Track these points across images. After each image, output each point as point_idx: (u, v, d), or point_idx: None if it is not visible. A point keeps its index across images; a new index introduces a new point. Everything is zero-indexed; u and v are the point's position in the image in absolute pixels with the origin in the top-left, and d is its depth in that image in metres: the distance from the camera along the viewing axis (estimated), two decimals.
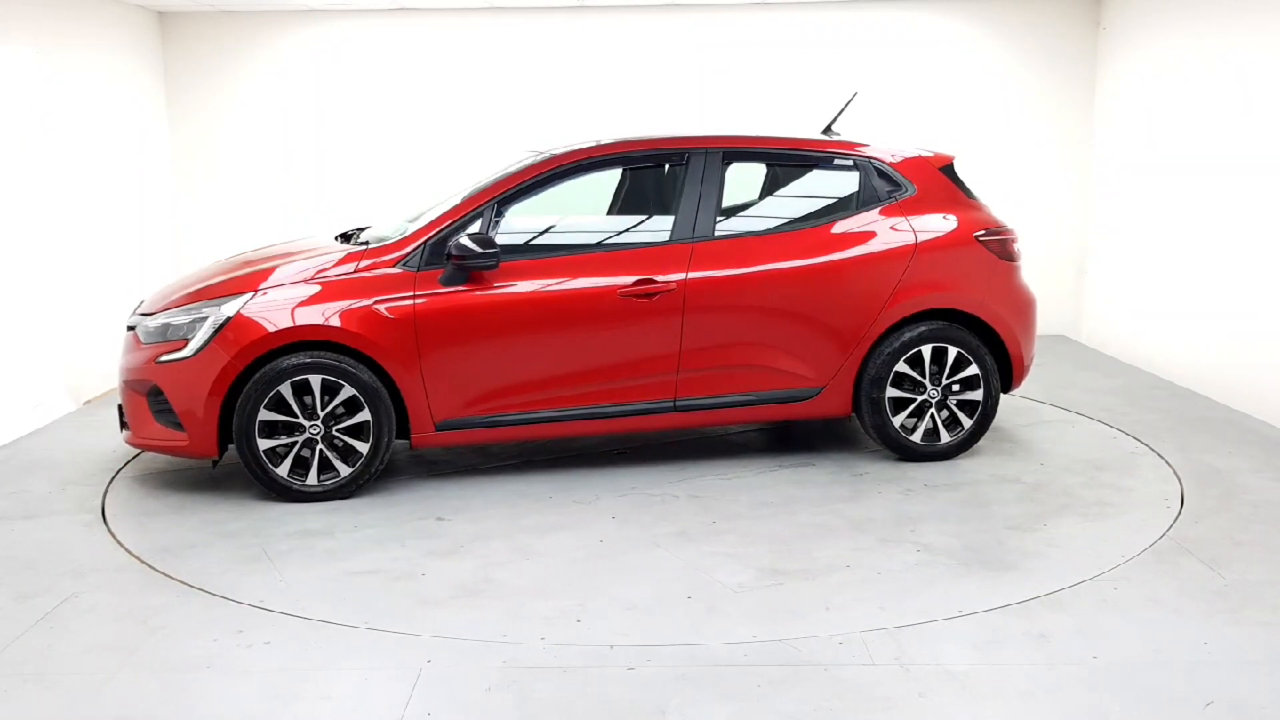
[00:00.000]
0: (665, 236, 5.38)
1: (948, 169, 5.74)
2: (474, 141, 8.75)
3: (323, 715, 3.21)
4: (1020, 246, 5.75)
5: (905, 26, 8.72)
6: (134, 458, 5.83)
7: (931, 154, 5.78)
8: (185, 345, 4.99)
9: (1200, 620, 3.76)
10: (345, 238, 5.78)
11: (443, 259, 5.10)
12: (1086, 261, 8.88)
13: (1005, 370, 5.67)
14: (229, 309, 4.98)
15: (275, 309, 4.97)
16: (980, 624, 3.75)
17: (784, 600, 3.96)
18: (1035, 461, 5.59)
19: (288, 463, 5.02)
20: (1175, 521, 4.71)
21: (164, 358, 5.01)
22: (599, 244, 5.46)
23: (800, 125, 8.19)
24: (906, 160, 5.67)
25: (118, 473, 5.58)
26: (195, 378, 4.95)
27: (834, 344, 5.43)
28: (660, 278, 5.24)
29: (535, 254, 5.32)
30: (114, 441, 6.13)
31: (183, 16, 8.71)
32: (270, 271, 5.17)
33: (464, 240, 5.02)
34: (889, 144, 5.79)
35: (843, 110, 6.26)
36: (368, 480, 5.13)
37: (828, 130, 6.09)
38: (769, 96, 8.76)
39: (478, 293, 5.10)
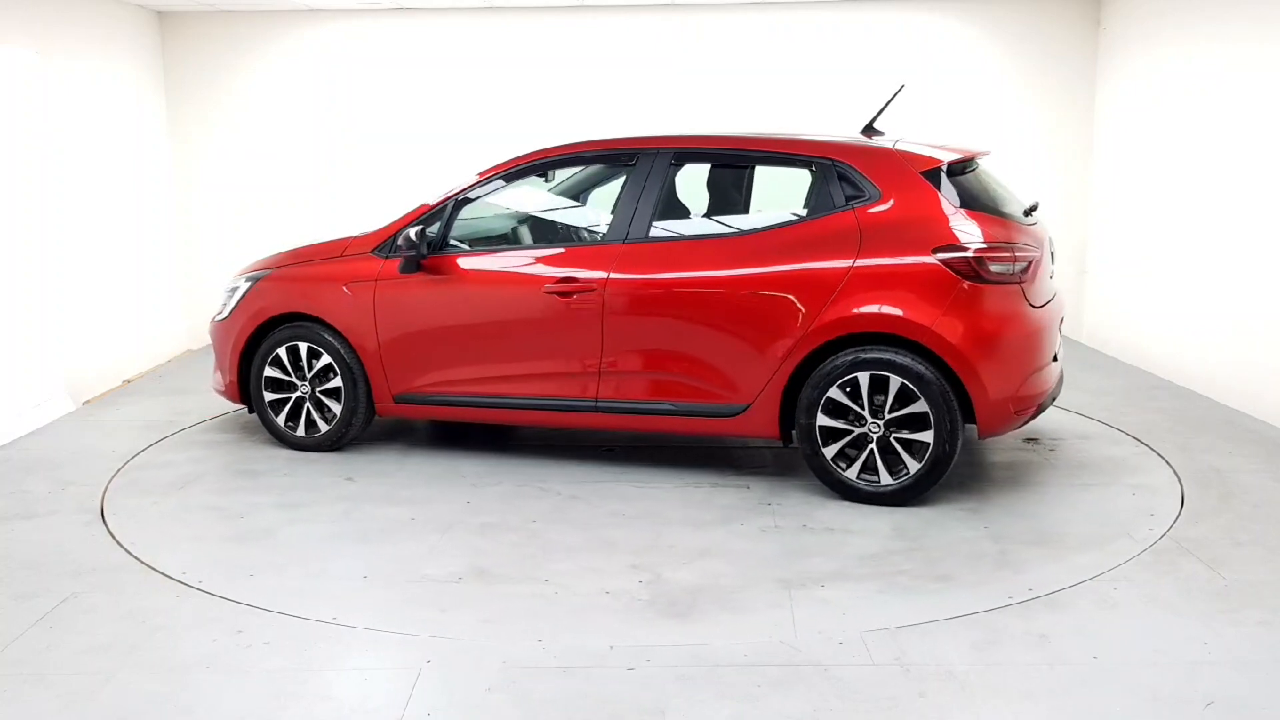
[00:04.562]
0: (603, 237, 5.42)
1: (934, 172, 4.92)
2: (475, 141, 8.73)
3: (322, 715, 3.21)
4: (1010, 269, 4.79)
5: (905, 26, 8.71)
6: (134, 457, 5.84)
7: (924, 153, 5.02)
8: (223, 310, 6.00)
9: (1200, 620, 3.76)
10: None
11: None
12: (1086, 261, 8.88)
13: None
14: (248, 283, 5.91)
15: (278, 287, 5.82)
16: (980, 624, 3.75)
17: (433, 598, 4.00)
18: (982, 525, 4.66)
19: (284, 413, 5.83)
20: (1175, 521, 4.71)
21: (215, 318, 6.10)
22: (542, 241, 5.85)
23: (797, 125, 8.19)
24: (878, 162, 4.98)
25: (117, 472, 5.58)
26: (226, 337, 5.95)
27: (756, 361, 4.99)
28: (582, 276, 5.23)
29: (484, 248, 5.65)
30: (114, 441, 6.14)
31: (183, 16, 8.70)
32: (288, 254, 6.00)
33: (408, 232, 5.43)
34: (873, 144, 5.16)
35: (885, 106, 5.71)
36: (345, 437, 5.78)
37: (869, 128, 5.60)
38: (767, 96, 8.75)
39: (423, 281, 5.50)
